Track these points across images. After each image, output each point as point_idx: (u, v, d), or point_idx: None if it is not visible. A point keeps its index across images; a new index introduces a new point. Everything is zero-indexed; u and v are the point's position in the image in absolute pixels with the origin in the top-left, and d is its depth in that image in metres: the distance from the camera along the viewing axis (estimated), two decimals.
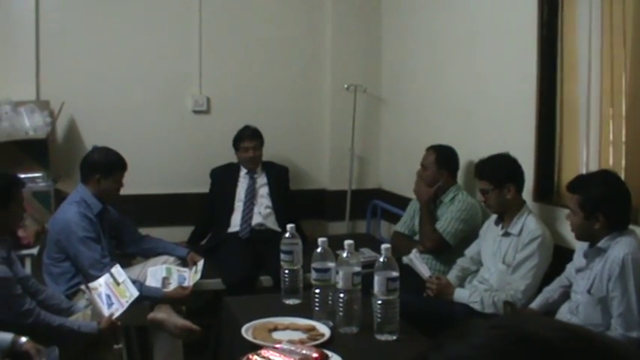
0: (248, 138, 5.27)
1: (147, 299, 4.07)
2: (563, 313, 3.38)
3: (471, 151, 4.51)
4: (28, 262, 4.27)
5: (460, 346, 0.69)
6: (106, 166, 4.28)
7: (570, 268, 3.48)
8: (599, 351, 0.66)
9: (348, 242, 3.12)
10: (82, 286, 3.79)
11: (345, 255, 3.10)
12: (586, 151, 3.77)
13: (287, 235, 3.50)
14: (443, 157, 4.55)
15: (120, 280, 3.66)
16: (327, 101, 5.93)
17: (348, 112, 5.77)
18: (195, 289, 4.34)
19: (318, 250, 3.25)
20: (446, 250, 4.39)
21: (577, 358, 0.64)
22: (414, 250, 4.12)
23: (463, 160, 4.59)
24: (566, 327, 0.70)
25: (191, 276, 4.40)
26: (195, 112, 5.69)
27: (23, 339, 3.09)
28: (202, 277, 4.46)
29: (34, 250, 4.33)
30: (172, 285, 4.28)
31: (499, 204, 3.90)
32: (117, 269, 3.75)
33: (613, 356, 0.66)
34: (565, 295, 3.49)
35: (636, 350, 0.69)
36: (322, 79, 5.92)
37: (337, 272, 3.11)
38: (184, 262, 4.59)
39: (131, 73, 5.52)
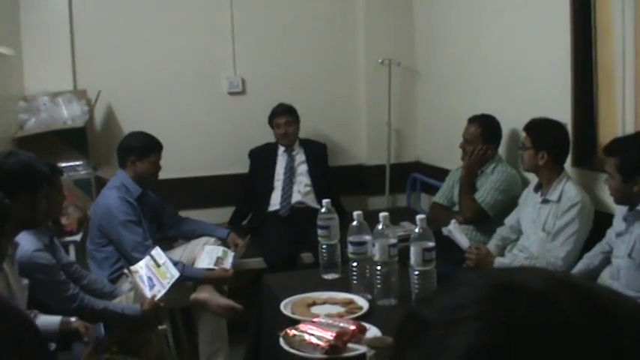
0: (279, 114, 5.30)
1: (189, 279, 4.12)
2: (605, 279, 3.34)
3: (508, 120, 4.46)
4: (72, 249, 4.32)
5: (447, 296, 0.70)
6: (139, 147, 4.32)
7: (610, 233, 3.43)
8: (581, 294, 0.66)
9: (383, 214, 3.11)
10: (125, 270, 3.84)
11: (380, 227, 3.09)
12: (622, 114, 3.70)
13: (323, 210, 3.49)
14: (488, 131, 4.45)
15: (160, 262, 3.69)
16: (361, 76, 5.91)
17: (383, 87, 5.74)
18: (237, 268, 4.38)
19: (354, 223, 3.24)
20: (485, 221, 4.35)
21: (558, 301, 0.64)
22: (453, 221, 4.10)
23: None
24: (553, 275, 0.71)
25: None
26: (231, 93, 5.72)
27: (73, 318, 3.15)
28: (244, 256, 4.50)
29: (78, 237, 4.38)
30: (224, 266, 4.31)
31: (529, 164, 3.90)
32: (157, 251, 3.78)
33: (594, 299, 0.66)
34: (606, 260, 3.44)
35: (625, 299, 0.69)
36: (356, 55, 5.89)
37: (373, 245, 3.11)
38: (225, 243, 4.61)
39: (165, 58, 5.56)
